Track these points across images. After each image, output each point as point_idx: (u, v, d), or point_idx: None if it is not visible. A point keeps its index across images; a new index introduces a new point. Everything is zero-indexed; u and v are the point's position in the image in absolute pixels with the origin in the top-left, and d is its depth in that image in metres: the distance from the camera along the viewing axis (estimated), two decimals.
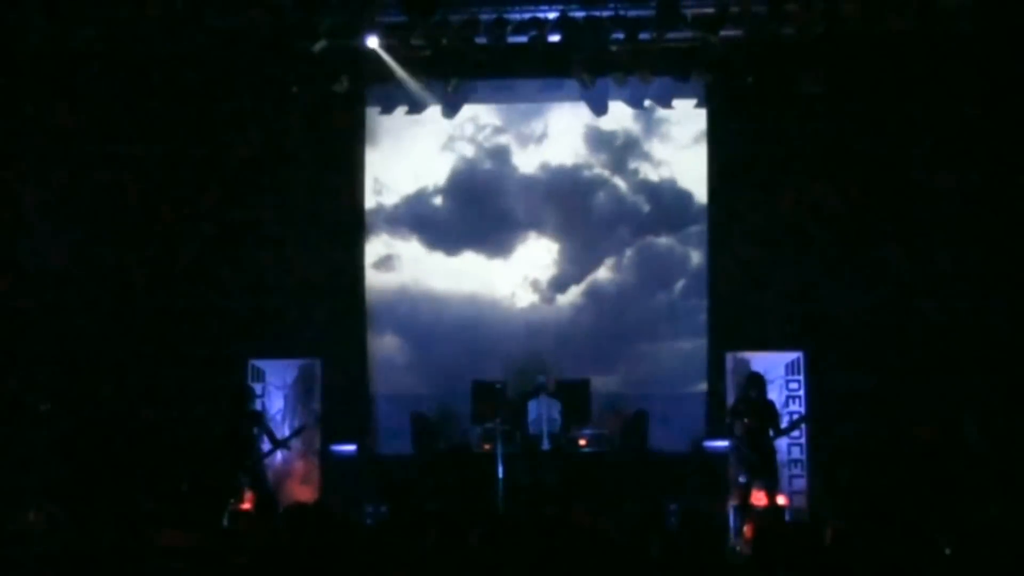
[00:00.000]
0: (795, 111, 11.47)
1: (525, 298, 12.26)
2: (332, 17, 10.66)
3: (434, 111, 12.25)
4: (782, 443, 10.46)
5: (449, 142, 12.37)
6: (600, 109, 12.23)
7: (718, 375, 11.29)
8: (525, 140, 12.36)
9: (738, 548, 9.11)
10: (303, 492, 10.78)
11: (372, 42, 10.89)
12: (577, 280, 12.24)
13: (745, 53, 11.07)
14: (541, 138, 12.34)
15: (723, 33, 10.65)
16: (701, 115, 12.09)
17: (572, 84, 11.84)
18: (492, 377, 11.07)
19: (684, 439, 11.45)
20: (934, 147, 11.28)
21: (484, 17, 10.73)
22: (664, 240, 12.21)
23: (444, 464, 10.89)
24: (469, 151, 12.37)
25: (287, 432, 10.70)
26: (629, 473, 10.49)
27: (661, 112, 12.18)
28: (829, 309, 11.34)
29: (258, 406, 10.86)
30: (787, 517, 10.10)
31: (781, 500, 10.23)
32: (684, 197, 12.18)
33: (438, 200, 12.38)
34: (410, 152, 12.34)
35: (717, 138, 11.98)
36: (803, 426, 10.72)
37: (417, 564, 5.31)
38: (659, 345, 12.04)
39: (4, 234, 11.21)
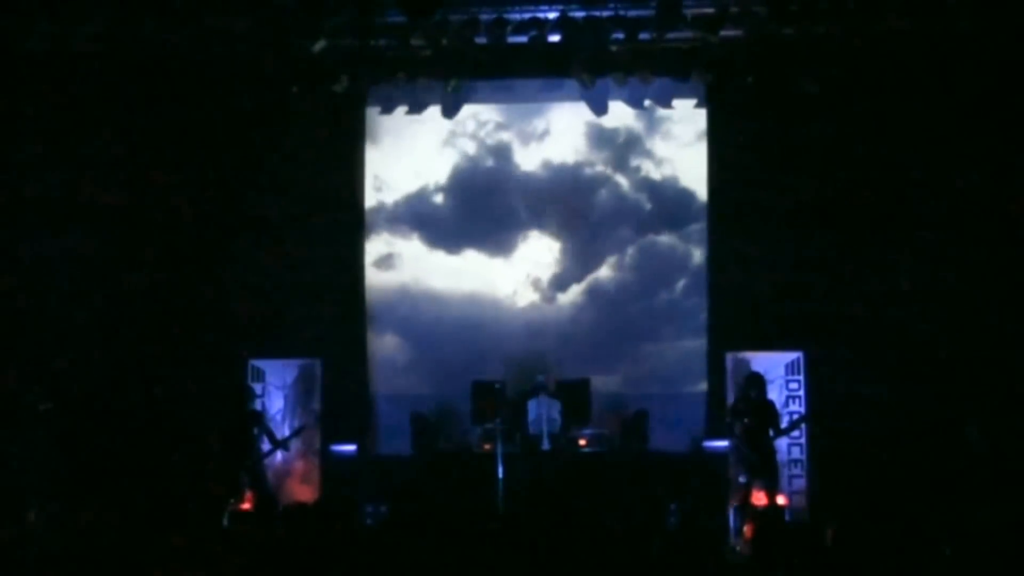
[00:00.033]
0: (795, 111, 11.46)
1: (526, 297, 12.25)
2: (332, 17, 10.66)
3: (434, 111, 12.25)
4: (782, 443, 10.47)
5: (450, 139, 12.35)
6: (600, 109, 12.22)
7: (718, 375, 11.29)
8: (526, 138, 12.35)
9: (738, 548, 9.13)
10: (303, 492, 10.78)
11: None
12: (578, 279, 12.23)
13: (745, 53, 11.07)
14: (543, 136, 12.33)
15: (723, 33, 10.64)
16: (701, 115, 12.10)
17: (572, 84, 11.81)
18: (492, 377, 11.06)
19: (684, 439, 11.44)
20: (934, 147, 11.27)
21: (484, 17, 10.72)
22: (665, 238, 12.21)
23: (444, 464, 10.89)
24: (470, 149, 12.36)
25: (287, 432, 10.71)
26: (629, 473, 10.48)
27: (661, 112, 12.18)
28: (829, 309, 11.32)
29: (258, 406, 10.86)
30: (787, 517, 10.09)
31: (781, 500, 10.23)
32: (686, 195, 12.18)
33: (439, 198, 12.37)
34: (411, 150, 12.33)
35: (717, 138, 11.98)
36: (803, 426, 10.73)
37: (417, 564, 5.30)
38: (659, 345, 12.04)
39: (4, 234, 11.20)
